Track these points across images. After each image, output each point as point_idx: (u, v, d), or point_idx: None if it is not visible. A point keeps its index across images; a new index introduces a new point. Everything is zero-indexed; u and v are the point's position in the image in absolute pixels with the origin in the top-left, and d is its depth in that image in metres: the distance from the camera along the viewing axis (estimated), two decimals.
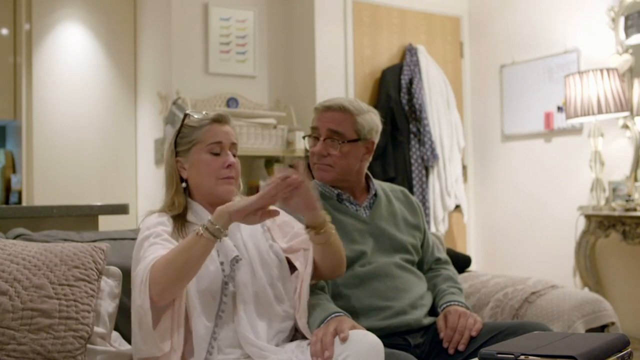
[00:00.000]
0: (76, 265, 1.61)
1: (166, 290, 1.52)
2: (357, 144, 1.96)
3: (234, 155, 1.77)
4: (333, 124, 1.94)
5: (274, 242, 1.80)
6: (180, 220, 1.71)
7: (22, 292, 1.51)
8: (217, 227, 1.52)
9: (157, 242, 1.61)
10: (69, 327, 1.52)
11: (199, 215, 1.72)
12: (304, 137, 2.05)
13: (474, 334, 1.81)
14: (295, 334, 1.72)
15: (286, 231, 1.83)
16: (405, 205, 2.11)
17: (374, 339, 1.50)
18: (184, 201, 1.74)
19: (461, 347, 1.80)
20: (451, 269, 2.14)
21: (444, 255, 2.18)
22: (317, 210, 1.66)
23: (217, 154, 1.72)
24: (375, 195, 2.04)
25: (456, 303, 1.93)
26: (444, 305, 1.93)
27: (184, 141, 1.74)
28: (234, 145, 1.77)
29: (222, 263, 1.65)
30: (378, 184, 2.08)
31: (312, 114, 2.02)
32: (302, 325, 1.66)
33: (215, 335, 1.59)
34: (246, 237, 1.74)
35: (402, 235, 2.02)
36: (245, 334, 1.60)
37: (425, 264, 2.11)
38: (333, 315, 1.65)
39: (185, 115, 1.76)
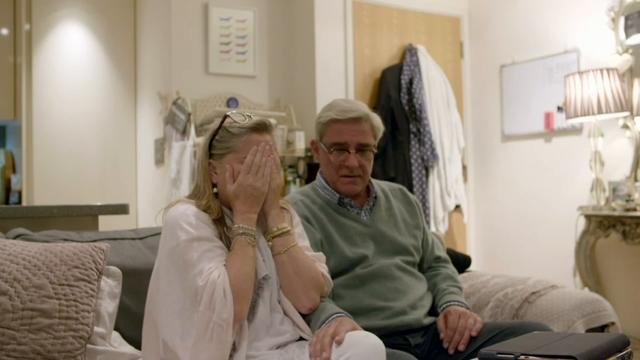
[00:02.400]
0: (76, 265, 1.61)
1: (249, 304, 1.55)
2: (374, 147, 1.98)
3: None
4: (362, 137, 1.93)
5: None
6: (221, 225, 1.64)
7: (22, 292, 1.51)
8: (253, 230, 1.58)
9: (212, 249, 1.56)
10: (69, 327, 1.52)
11: None
12: (330, 152, 1.95)
13: (474, 334, 1.81)
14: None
15: None
16: (404, 205, 2.10)
17: (375, 341, 1.49)
18: (219, 206, 1.66)
19: (461, 347, 1.80)
20: (451, 268, 2.14)
21: (443, 254, 2.18)
22: (272, 211, 1.68)
23: None
24: (375, 197, 2.04)
25: (456, 303, 1.93)
26: (444, 305, 1.93)
27: (220, 145, 1.66)
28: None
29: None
30: (377, 184, 2.08)
31: (323, 122, 1.95)
32: (307, 334, 1.66)
33: (233, 352, 1.56)
34: (266, 253, 1.69)
35: (403, 237, 2.01)
36: (249, 351, 1.57)
37: (425, 262, 2.11)
38: (334, 316, 1.65)
39: (226, 116, 1.68)
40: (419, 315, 1.90)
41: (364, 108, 1.95)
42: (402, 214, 2.07)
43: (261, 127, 1.67)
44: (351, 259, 1.89)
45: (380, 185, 2.10)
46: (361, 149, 1.93)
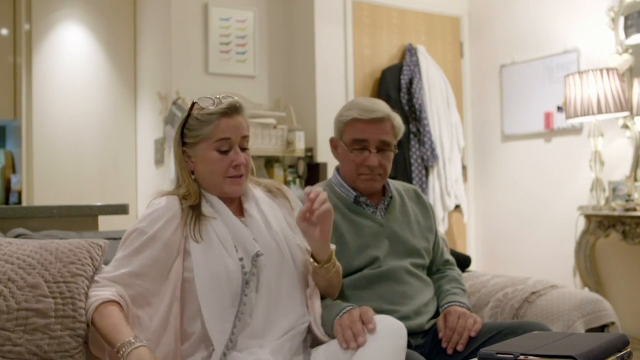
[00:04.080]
0: (72, 262, 1.59)
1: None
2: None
3: (245, 149, 1.66)
4: (384, 135, 1.93)
5: (301, 238, 1.70)
6: (194, 212, 1.62)
7: (17, 292, 1.49)
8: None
9: (139, 250, 1.55)
10: (66, 326, 1.51)
11: (216, 208, 1.64)
12: (351, 151, 1.94)
13: (473, 334, 1.81)
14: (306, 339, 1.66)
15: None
16: (417, 206, 2.09)
17: (395, 321, 1.50)
18: (197, 191, 1.65)
19: (460, 348, 1.80)
20: (457, 270, 2.14)
21: (451, 257, 2.19)
22: (328, 242, 1.65)
23: (225, 152, 1.62)
24: (391, 197, 2.03)
25: (457, 303, 1.92)
26: (445, 306, 1.93)
27: (191, 134, 1.63)
28: (244, 138, 1.65)
29: (241, 259, 1.57)
30: (392, 184, 2.07)
31: (344, 121, 1.96)
32: (318, 330, 1.62)
33: (233, 336, 1.52)
34: (276, 228, 1.66)
35: (416, 239, 2.00)
36: (257, 338, 1.55)
37: (434, 266, 2.11)
38: (349, 307, 1.65)
39: (193, 104, 1.64)
40: (422, 321, 1.90)
41: (386, 108, 1.95)
42: (416, 215, 2.06)
43: (230, 111, 1.62)
44: (361, 263, 1.89)
45: (395, 185, 2.09)
46: (382, 148, 1.93)
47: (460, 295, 1.99)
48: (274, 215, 1.70)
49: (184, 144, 1.65)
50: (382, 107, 1.95)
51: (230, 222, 1.62)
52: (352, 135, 1.93)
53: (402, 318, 1.85)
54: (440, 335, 1.85)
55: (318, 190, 1.60)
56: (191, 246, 1.57)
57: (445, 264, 2.14)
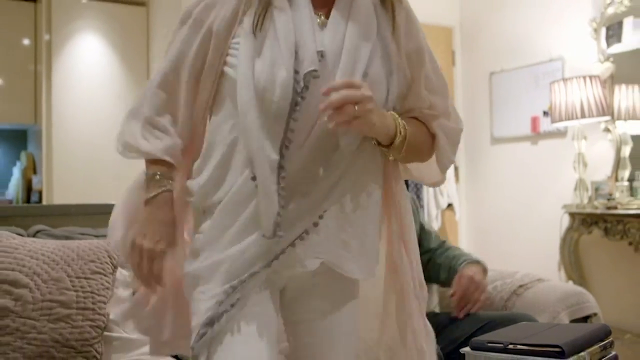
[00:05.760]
0: (92, 260, 1.61)
1: None
2: None
3: None
4: None
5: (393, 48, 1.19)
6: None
7: (42, 285, 1.51)
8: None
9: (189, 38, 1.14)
10: (86, 317, 1.53)
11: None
12: None
13: (477, 306, 2.01)
14: None
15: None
16: None
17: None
18: None
19: (462, 314, 2.00)
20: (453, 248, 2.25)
21: (447, 241, 2.30)
22: (379, 126, 1.11)
23: None
24: None
25: (469, 260, 2.08)
26: (462, 263, 2.06)
27: None
28: None
29: (296, 72, 1.05)
30: None
31: None
32: None
33: (284, 173, 1.05)
34: (352, 34, 1.12)
35: None
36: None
37: (425, 241, 2.20)
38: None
39: None
40: None
41: None
42: None
43: None
44: None
45: None
46: None
47: (467, 255, 2.13)
48: (365, 29, 1.15)
49: None
50: None
51: (302, 18, 1.09)
52: None
53: None
54: (452, 292, 2.02)
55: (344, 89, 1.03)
56: (242, 37, 1.10)
57: (441, 245, 2.22)
